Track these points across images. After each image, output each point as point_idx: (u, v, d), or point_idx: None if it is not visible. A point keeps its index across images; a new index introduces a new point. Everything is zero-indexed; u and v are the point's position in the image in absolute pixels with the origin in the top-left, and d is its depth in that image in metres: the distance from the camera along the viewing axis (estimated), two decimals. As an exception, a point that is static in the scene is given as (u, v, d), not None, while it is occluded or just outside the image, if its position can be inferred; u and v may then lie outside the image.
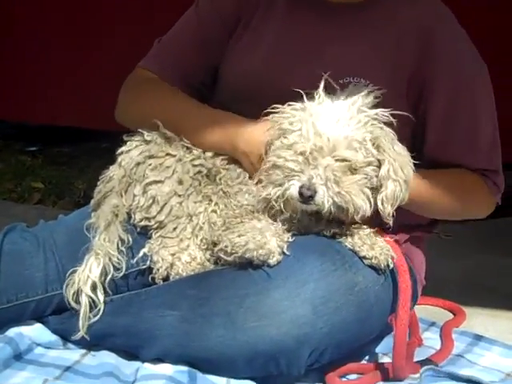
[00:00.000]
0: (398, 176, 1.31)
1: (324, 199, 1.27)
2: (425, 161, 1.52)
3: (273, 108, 1.36)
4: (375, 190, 1.32)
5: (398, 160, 1.32)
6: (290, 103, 1.35)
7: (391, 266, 1.36)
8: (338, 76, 1.46)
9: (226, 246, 1.31)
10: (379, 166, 1.32)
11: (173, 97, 1.56)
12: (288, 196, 1.30)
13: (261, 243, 1.28)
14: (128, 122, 1.56)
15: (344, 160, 1.28)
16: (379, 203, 1.31)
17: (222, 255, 1.33)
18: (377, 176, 1.32)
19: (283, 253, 1.31)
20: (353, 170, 1.30)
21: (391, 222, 1.33)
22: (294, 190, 1.29)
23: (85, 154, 3.45)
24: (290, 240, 1.34)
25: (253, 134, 1.42)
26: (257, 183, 1.39)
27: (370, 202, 1.31)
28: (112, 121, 1.65)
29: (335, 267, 1.32)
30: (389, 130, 1.34)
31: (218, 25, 1.61)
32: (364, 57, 1.50)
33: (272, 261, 1.29)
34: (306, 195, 1.27)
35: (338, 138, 1.28)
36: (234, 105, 1.52)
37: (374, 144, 1.31)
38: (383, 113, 1.34)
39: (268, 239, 1.29)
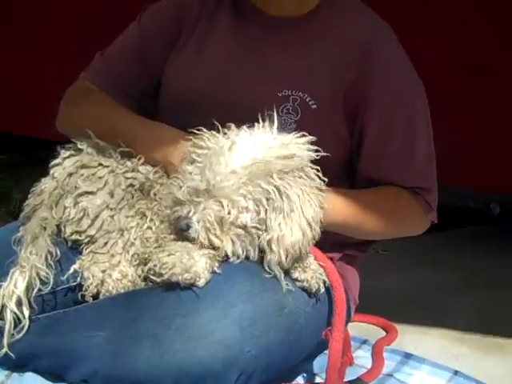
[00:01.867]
0: (280, 246, 1.28)
1: (197, 235, 1.29)
2: (359, 179, 1.55)
3: (198, 129, 1.35)
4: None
5: (288, 227, 1.27)
6: (211, 132, 1.33)
7: (322, 290, 1.35)
8: (278, 89, 1.48)
9: (155, 266, 1.29)
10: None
11: (111, 109, 1.56)
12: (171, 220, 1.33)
13: (187, 266, 1.26)
14: (69, 132, 1.54)
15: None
16: (264, 264, 1.29)
17: (150, 275, 1.31)
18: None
19: (214, 271, 1.29)
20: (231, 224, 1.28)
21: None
22: (174, 216, 1.31)
23: (20, 162, 3.38)
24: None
25: (181, 146, 1.40)
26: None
27: (248, 253, 1.30)
28: (52, 129, 1.63)
29: (264, 288, 1.30)
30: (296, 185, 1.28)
31: (159, 38, 1.61)
32: (304, 70, 1.50)
33: (199, 283, 1.27)
34: (179, 226, 1.30)
35: (223, 187, 1.27)
36: (177, 117, 1.52)
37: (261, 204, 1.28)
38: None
39: (196, 260, 1.27)
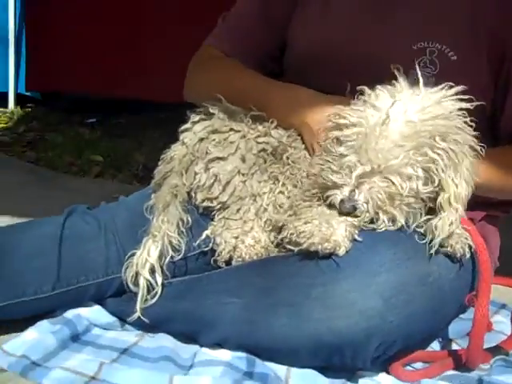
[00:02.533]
0: (458, 201, 1.23)
1: (364, 214, 1.23)
2: (502, 135, 1.45)
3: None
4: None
5: (461, 180, 1.23)
6: (351, 107, 1.26)
7: (468, 255, 1.28)
8: (412, 41, 1.40)
9: (292, 234, 1.25)
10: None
11: (240, 72, 1.53)
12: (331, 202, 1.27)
13: (326, 236, 1.21)
14: (197, 99, 1.52)
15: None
16: (432, 227, 1.24)
17: (286, 244, 1.28)
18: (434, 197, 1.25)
19: (354, 239, 1.25)
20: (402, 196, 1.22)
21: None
22: (335, 200, 1.25)
23: (142, 125, 3.46)
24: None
25: (321, 110, 1.36)
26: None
27: (416, 217, 1.26)
28: (169, 92, 1.63)
29: (408, 256, 1.24)
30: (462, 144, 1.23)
31: None
32: (437, 19, 1.41)
33: (340, 252, 1.23)
34: (345, 210, 1.24)
35: (391, 165, 1.20)
36: (303, 76, 1.48)
37: (435, 169, 1.22)
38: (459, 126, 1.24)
39: (335, 228, 1.22)
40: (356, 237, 1.25)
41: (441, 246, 1.26)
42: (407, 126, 1.21)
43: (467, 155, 1.23)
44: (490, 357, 1.36)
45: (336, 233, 1.22)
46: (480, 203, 1.46)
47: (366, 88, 1.26)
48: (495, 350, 1.40)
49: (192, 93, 1.59)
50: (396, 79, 1.26)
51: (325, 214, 1.25)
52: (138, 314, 1.33)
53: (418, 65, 1.38)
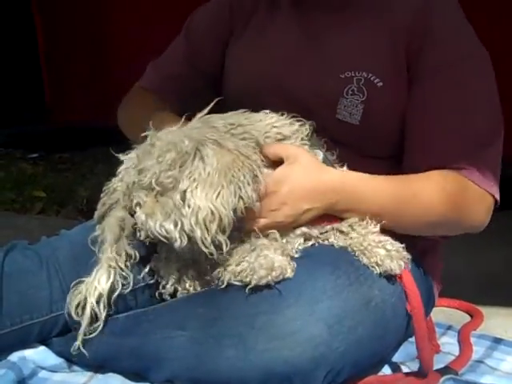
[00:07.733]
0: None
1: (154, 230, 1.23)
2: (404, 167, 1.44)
3: None
4: None
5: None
6: None
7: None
8: (340, 71, 1.42)
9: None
10: None
11: (147, 109, 1.54)
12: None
13: (269, 265, 1.21)
14: (126, 134, 1.58)
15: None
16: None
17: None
18: None
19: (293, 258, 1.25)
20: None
21: (209, 251, 1.20)
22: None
23: (87, 159, 3.42)
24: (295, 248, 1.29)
25: None
26: None
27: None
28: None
29: (350, 281, 1.24)
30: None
31: (207, 42, 1.62)
32: (363, 48, 1.44)
33: (288, 274, 1.23)
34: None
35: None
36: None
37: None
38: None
39: (271, 256, 1.22)
40: (292, 254, 1.26)
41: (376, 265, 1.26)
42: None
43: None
44: (439, 377, 1.37)
45: (276, 259, 1.22)
46: None
47: None
48: (444, 371, 1.41)
49: (122, 129, 1.63)
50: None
51: (250, 249, 1.24)
52: (78, 342, 1.29)
53: (347, 93, 1.41)
